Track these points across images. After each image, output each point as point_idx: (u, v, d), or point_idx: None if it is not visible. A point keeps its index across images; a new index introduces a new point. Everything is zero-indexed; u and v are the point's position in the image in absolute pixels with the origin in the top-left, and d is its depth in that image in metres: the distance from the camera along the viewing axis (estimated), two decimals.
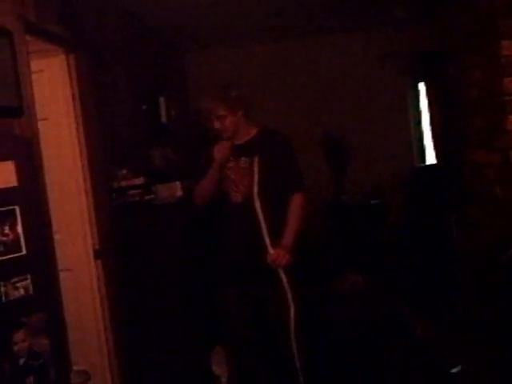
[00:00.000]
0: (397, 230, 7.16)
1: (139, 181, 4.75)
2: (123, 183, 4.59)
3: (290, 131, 7.18)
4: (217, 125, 3.77)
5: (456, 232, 6.02)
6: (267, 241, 3.71)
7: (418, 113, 7.79)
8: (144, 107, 5.58)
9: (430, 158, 7.68)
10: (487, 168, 4.39)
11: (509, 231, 3.94)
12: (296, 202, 3.82)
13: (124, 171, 4.65)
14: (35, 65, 3.61)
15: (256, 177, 3.72)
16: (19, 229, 3.03)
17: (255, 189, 3.72)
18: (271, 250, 3.70)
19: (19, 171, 3.09)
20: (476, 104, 4.55)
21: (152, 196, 4.84)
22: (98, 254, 4.14)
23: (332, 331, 5.26)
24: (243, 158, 3.78)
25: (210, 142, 4.01)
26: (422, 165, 7.77)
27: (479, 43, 4.28)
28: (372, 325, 5.35)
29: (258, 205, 3.70)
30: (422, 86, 7.65)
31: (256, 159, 3.74)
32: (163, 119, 6.00)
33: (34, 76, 3.50)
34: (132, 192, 4.64)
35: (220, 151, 3.79)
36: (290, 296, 3.73)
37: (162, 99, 5.99)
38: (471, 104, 4.68)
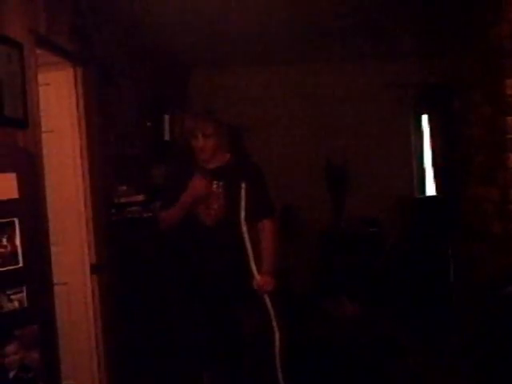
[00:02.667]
0: (394, 259, 7.16)
1: (139, 198, 4.75)
2: (123, 199, 4.60)
3: (293, 157, 7.34)
4: (201, 142, 3.78)
5: (453, 264, 6.03)
6: (253, 267, 3.74)
7: (420, 144, 7.80)
8: (149, 124, 5.59)
9: (430, 189, 7.69)
10: (487, 203, 4.40)
11: (505, 267, 3.94)
12: (268, 229, 3.85)
13: (124, 187, 4.66)
14: (42, 77, 3.62)
15: (243, 203, 3.75)
16: (17, 241, 3.03)
17: (242, 214, 3.74)
18: (257, 276, 3.73)
19: (21, 183, 3.10)
20: (478, 140, 4.57)
21: (151, 213, 4.85)
22: (94, 269, 4.13)
23: (326, 356, 5.25)
24: (215, 182, 3.79)
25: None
26: (422, 196, 7.77)
27: (484, 80, 4.30)
28: (367, 352, 5.35)
29: (245, 231, 3.74)
30: (424, 118, 7.67)
31: (243, 185, 3.76)
32: (166, 137, 6.00)
33: (40, 88, 3.52)
34: (131, 208, 4.64)
35: (198, 189, 3.75)
36: (275, 323, 3.73)
37: (166, 117, 6.00)
38: (474, 139, 4.70)
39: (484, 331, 3.91)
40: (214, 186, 3.79)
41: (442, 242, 6.31)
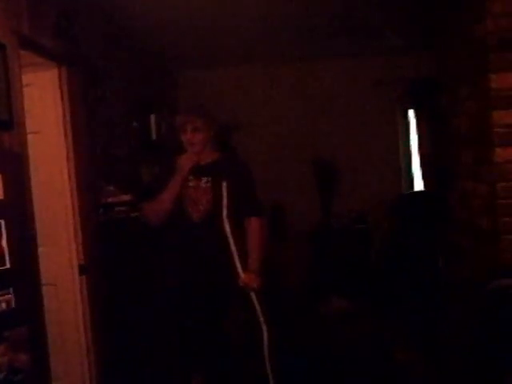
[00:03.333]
0: (383, 255, 7.18)
1: (126, 197, 4.74)
2: (110, 199, 4.58)
3: (281, 154, 7.34)
4: (190, 136, 3.81)
5: (441, 259, 6.04)
6: (238, 265, 3.77)
7: (408, 139, 7.81)
8: (135, 124, 5.57)
9: (418, 184, 7.70)
10: (474, 198, 4.41)
11: (493, 262, 3.96)
12: (253, 227, 3.88)
13: (112, 187, 4.65)
14: (26, 78, 3.61)
15: (225, 200, 3.78)
16: (4, 242, 3.02)
17: (224, 212, 3.76)
18: (242, 274, 3.76)
19: (6, 184, 3.08)
20: (465, 134, 4.58)
21: (138, 213, 4.84)
22: (82, 270, 4.12)
23: (315, 354, 5.25)
24: (204, 178, 3.83)
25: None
26: (410, 191, 7.79)
27: (470, 75, 4.31)
28: (355, 349, 5.35)
29: (227, 228, 3.77)
30: (412, 113, 7.68)
31: (224, 183, 3.79)
32: (153, 136, 5.99)
33: (25, 89, 3.50)
34: (119, 208, 4.63)
35: (187, 161, 3.81)
36: (262, 319, 3.74)
37: (152, 116, 5.98)
38: (461, 134, 4.71)
39: (471, 325, 3.92)
40: (203, 181, 3.82)
41: (430, 237, 6.32)
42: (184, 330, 3.99)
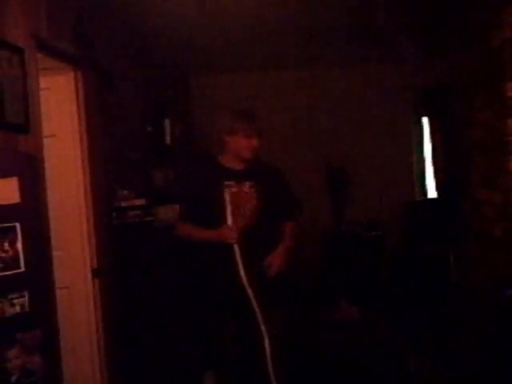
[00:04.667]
0: (395, 262, 7.16)
1: (140, 202, 4.76)
2: (124, 203, 4.60)
3: (293, 160, 7.33)
4: (256, 143, 3.80)
5: (453, 267, 6.03)
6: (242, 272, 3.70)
7: (421, 146, 7.80)
8: (149, 128, 5.59)
9: (432, 192, 7.69)
10: (488, 206, 4.40)
11: (506, 270, 3.95)
12: (289, 228, 3.91)
13: (125, 191, 4.66)
14: (43, 81, 3.62)
15: (267, 205, 3.77)
16: (19, 246, 3.03)
17: (267, 217, 3.76)
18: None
19: (22, 188, 3.10)
20: (479, 142, 4.57)
21: (152, 217, 4.86)
22: (96, 273, 4.13)
23: (324, 361, 5.24)
24: (247, 183, 3.78)
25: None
26: (423, 198, 7.77)
27: (485, 83, 4.31)
28: (365, 356, 5.34)
29: (260, 233, 3.73)
30: (425, 121, 7.68)
31: (266, 187, 3.78)
32: (167, 141, 6.01)
33: (41, 93, 3.52)
34: (132, 212, 4.65)
35: (225, 238, 3.67)
36: (263, 328, 3.70)
37: (167, 121, 6.00)
38: (475, 142, 4.71)
39: (485, 334, 3.91)
40: (247, 186, 3.78)
41: (443, 244, 6.31)
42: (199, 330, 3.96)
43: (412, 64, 7.03)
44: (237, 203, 3.74)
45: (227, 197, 3.70)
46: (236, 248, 3.66)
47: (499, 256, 4.12)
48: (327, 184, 7.53)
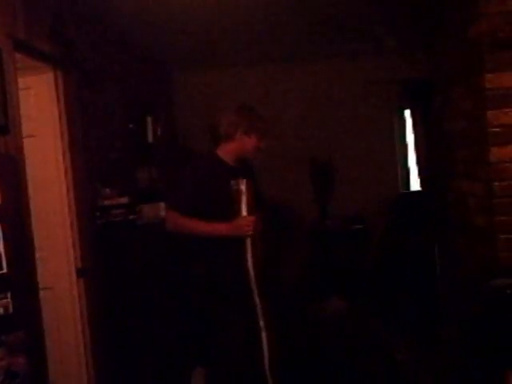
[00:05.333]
0: (380, 255, 7.19)
1: (123, 200, 4.75)
2: (107, 202, 4.59)
3: (277, 155, 7.33)
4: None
5: (439, 258, 6.05)
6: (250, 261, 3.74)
7: (404, 139, 7.82)
8: (131, 126, 5.57)
9: (415, 184, 7.71)
10: (470, 197, 4.42)
11: (490, 261, 3.97)
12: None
13: (108, 190, 4.65)
14: (22, 81, 3.60)
15: (254, 201, 3.77)
16: (1, 247, 3.02)
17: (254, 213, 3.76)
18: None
19: (3, 189, 3.09)
20: (461, 134, 4.59)
21: (135, 216, 4.85)
22: (80, 273, 4.12)
23: (314, 356, 5.26)
24: (243, 180, 3.76)
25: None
26: (407, 191, 7.80)
27: (465, 75, 4.32)
28: (353, 350, 5.35)
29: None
30: (407, 113, 7.69)
31: (251, 183, 3.78)
32: (149, 139, 5.98)
33: (20, 93, 3.50)
34: (116, 211, 4.63)
35: (248, 228, 3.68)
36: (262, 323, 3.71)
37: (149, 119, 5.97)
38: (456, 134, 4.73)
39: (470, 325, 3.93)
40: (243, 183, 3.75)
41: (427, 236, 6.34)
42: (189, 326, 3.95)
43: (393, 57, 7.05)
44: (246, 199, 3.73)
45: (242, 187, 3.70)
46: (248, 241, 3.67)
47: (484, 247, 4.14)
48: (311, 178, 7.54)
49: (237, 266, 3.69)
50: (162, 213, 4.78)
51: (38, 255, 3.56)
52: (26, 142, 3.52)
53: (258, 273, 3.70)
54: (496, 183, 3.86)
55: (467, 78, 4.28)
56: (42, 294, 3.59)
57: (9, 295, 3.05)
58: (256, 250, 3.71)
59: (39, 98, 4.05)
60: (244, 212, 3.69)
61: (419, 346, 5.21)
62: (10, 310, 3.06)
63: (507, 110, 3.81)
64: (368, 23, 5.92)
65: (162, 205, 4.90)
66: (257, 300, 3.70)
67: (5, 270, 3.04)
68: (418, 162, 7.28)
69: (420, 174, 7.26)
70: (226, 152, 3.87)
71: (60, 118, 4.08)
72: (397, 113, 7.75)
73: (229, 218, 3.70)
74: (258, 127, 3.83)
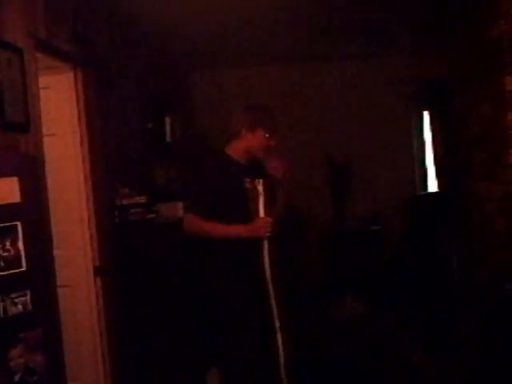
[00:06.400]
0: (397, 256, 7.17)
1: (141, 199, 4.76)
2: (125, 201, 4.60)
3: (294, 155, 7.32)
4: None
5: (455, 261, 6.03)
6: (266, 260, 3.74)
7: (422, 140, 7.80)
8: (150, 125, 5.59)
9: (432, 185, 7.69)
10: (488, 200, 4.40)
11: (508, 263, 3.95)
12: None
13: (126, 189, 4.66)
14: (43, 81, 3.63)
15: (270, 202, 3.75)
16: (20, 245, 3.04)
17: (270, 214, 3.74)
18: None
19: (23, 187, 3.10)
20: (479, 136, 4.57)
21: (153, 215, 4.86)
22: (97, 271, 4.14)
23: (330, 357, 5.25)
24: (259, 180, 3.73)
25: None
26: (424, 192, 7.77)
27: (485, 76, 4.30)
28: (369, 351, 5.35)
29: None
30: (426, 114, 7.67)
31: (267, 185, 3.76)
32: (168, 138, 6.00)
33: (41, 92, 3.53)
34: (134, 210, 4.65)
35: (259, 232, 3.66)
36: (277, 324, 3.69)
37: (167, 118, 5.99)
38: (475, 135, 4.71)
39: (487, 328, 3.91)
40: (259, 182, 3.73)
41: (444, 238, 6.31)
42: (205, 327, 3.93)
43: (412, 57, 7.04)
44: (264, 199, 3.71)
45: (260, 188, 3.68)
46: (266, 242, 3.66)
47: (500, 250, 4.13)
48: (329, 179, 7.53)
49: (253, 267, 3.68)
50: (180, 212, 4.79)
51: (56, 253, 3.58)
52: (46, 141, 3.55)
53: (275, 274, 3.70)
54: None
55: (487, 79, 4.26)
56: (59, 291, 3.61)
57: (28, 293, 3.07)
58: (273, 250, 3.70)
59: (59, 98, 4.07)
60: (262, 213, 3.67)
61: (435, 347, 5.19)
62: (29, 307, 3.08)
63: None
64: (386, 23, 5.91)
65: (180, 204, 4.90)
66: (273, 301, 3.69)
67: (24, 268, 3.06)
68: (436, 163, 7.26)
69: (437, 175, 7.24)
70: (236, 151, 3.84)
71: (79, 117, 4.10)
72: (415, 113, 7.73)
73: (243, 217, 3.69)
74: (262, 124, 3.77)
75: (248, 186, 3.72)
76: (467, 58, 4.87)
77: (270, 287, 3.67)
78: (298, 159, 7.41)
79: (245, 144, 3.80)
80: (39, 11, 3.54)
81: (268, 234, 3.65)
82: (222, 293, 3.76)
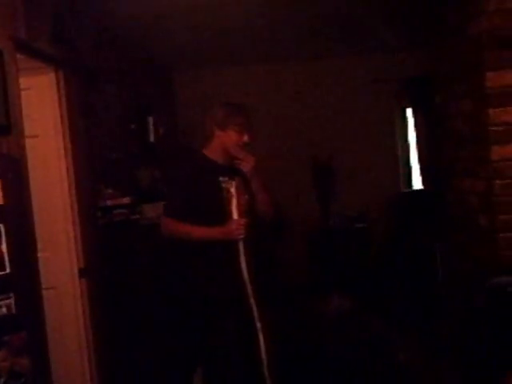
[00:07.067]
0: (382, 253, 7.19)
1: (125, 200, 4.75)
2: (109, 202, 4.59)
3: (279, 155, 7.33)
4: (247, 138, 3.77)
5: (440, 257, 6.05)
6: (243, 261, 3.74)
7: (406, 138, 7.83)
8: (132, 126, 5.58)
9: (417, 183, 7.72)
10: (472, 196, 4.42)
11: (491, 259, 3.97)
12: None
13: (110, 190, 4.65)
14: (24, 82, 3.61)
15: (249, 201, 3.77)
16: (3, 247, 3.02)
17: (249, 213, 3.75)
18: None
19: (5, 190, 3.09)
20: (462, 132, 4.58)
21: (138, 216, 4.85)
22: (82, 273, 4.13)
23: (315, 354, 5.25)
24: (237, 178, 3.75)
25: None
26: (408, 190, 7.80)
27: (466, 73, 4.32)
28: (355, 349, 5.35)
29: (252, 230, 3.74)
30: (409, 112, 7.70)
31: (246, 184, 3.78)
32: (151, 138, 5.99)
33: (22, 93, 3.51)
34: (118, 211, 4.64)
35: (233, 234, 3.65)
36: (258, 324, 3.70)
37: (150, 118, 5.98)
38: (457, 132, 4.72)
39: (471, 323, 3.93)
40: (237, 182, 3.74)
41: (428, 235, 6.33)
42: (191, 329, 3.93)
43: (395, 55, 7.05)
44: (237, 199, 3.71)
45: (233, 190, 3.68)
46: (241, 244, 3.66)
47: (485, 245, 4.14)
48: (313, 178, 7.54)
49: (230, 269, 3.68)
50: None
51: (40, 255, 3.56)
52: (28, 143, 3.53)
53: (252, 275, 3.69)
54: (497, 182, 3.87)
55: (468, 77, 4.28)
56: (44, 293, 3.60)
57: (12, 295, 3.06)
58: (249, 251, 3.70)
59: (41, 99, 4.06)
60: (235, 215, 3.67)
61: (421, 345, 5.20)
62: (13, 310, 3.06)
63: (508, 108, 3.82)
64: (368, 22, 5.92)
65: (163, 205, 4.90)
66: (252, 302, 3.69)
67: (7, 271, 3.04)
68: (420, 161, 7.28)
69: (422, 172, 7.27)
70: (211, 150, 3.83)
71: (62, 118, 4.09)
72: (398, 111, 7.75)
73: (221, 218, 3.68)
74: (233, 121, 3.75)
75: (224, 185, 3.71)
76: (449, 56, 4.89)
77: (249, 288, 3.67)
78: (282, 158, 7.46)
79: (218, 142, 3.80)
80: (19, 12, 3.52)
81: (242, 236, 3.64)
82: (201, 294, 3.76)
